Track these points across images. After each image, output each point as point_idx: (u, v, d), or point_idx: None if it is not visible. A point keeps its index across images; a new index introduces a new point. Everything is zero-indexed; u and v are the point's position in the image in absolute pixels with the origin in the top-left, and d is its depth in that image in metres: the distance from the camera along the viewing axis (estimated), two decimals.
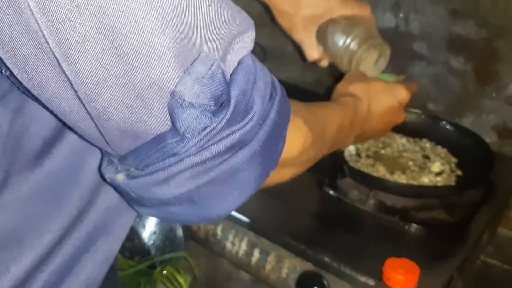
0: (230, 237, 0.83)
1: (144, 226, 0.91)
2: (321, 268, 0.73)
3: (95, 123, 0.32)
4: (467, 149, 0.89)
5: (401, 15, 1.10)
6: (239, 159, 0.36)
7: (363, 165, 0.87)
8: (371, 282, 0.68)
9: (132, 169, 0.36)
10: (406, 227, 0.78)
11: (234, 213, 0.81)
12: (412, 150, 0.92)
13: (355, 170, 0.81)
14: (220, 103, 0.34)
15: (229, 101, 0.34)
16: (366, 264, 0.71)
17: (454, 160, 0.90)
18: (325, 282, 0.73)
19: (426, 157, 0.91)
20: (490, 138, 1.04)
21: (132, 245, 0.91)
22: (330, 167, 0.85)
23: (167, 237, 0.87)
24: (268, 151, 0.38)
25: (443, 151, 0.92)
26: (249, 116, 0.35)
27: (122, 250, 0.91)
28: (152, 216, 0.44)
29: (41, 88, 0.30)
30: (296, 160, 0.47)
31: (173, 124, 0.33)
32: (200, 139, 0.33)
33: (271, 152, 0.39)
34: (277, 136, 0.39)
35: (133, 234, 0.91)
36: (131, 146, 0.34)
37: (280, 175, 0.46)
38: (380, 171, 0.84)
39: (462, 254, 0.74)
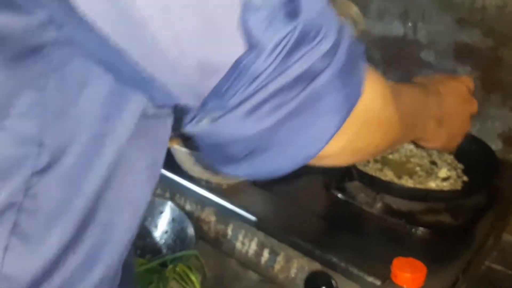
0: (240, 237, 0.85)
1: (156, 226, 0.93)
2: (329, 268, 0.75)
3: (174, 67, 0.33)
4: (473, 156, 0.91)
5: (409, 24, 1.12)
6: (318, 83, 0.35)
7: (371, 169, 0.89)
8: (378, 282, 0.70)
9: (214, 113, 0.36)
10: (412, 230, 0.80)
11: (244, 214, 0.83)
12: (420, 155, 0.94)
13: (363, 173, 0.83)
14: (290, 10, 0.33)
15: (299, 11, 0.33)
16: (373, 264, 0.72)
17: (460, 166, 0.92)
18: (333, 281, 0.74)
19: (433, 162, 0.92)
20: (495, 145, 1.06)
21: (144, 244, 0.93)
22: (338, 170, 0.87)
23: (178, 236, 0.89)
24: (347, 78, 0.37)
25: (450, 157, 0.94)
26: (321, 36, 0.35)
27: (134, 248, 0.93)
28: (241, 175, 0.44)
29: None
30: (380, 113, 0.44)
31: (247, 39, 0.33)
32: (276, 53, 0.33)
33: (350, 80, 0.38)
34: (354, 65, 0.38)
35: (145, 233, 0.93)
36: (211, 84, 0.34)
37: (369, 132, 0.43)
38: (388, 175, 0.86)
39: (466, 257, 0.76)
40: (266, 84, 0.34)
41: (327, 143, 0.38)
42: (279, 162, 0.39)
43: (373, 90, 0.41)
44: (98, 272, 0.43)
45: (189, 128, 0.38)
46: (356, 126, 0.41)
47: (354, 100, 0.38)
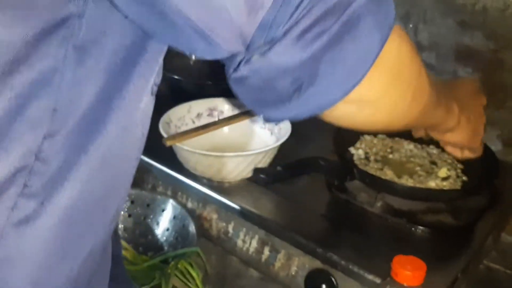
0: (241, 235, 0.86)
1: (158, 223, 0.93)
2: (329, 266, 0.75)
3: (221, 14, 0.35)
4: None
5: (410, 25, 1.13)
6: (355, 6, 0.38)
7: (372, 168, 0.89)
8: (378, 280, 0.70)
9: (262, 48, 0.38)
10: (412, 229, 0.80)
11: (245, 212, 0.84)
12: (420, 155, 0.95)
13: (364, 172, 0.84)
14: None
15: None
16: (373, 262, 0.73)
17: (460, 166, 0.92)
18: (333, 279, 0.75)
19: (433, 162, 0.93)
20: (495, 146, 1.06)
21: (146, 241, 0.94)
22: (339, 170, 0.88)
23: (180, 234, 0.89)
24: (380, 2, 0.41)
25: (450, 158, 0.94)
26: None
27: (136, 245, 0.94)
28: (289, 116, 0.45)
29: None
30: (409, 63, 0.47)
31: None
32: None
33: (383, 4, 0.41)
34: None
35: (147, 231, 0.94)
36: (257, 20, 0.36)
37: (401, 82, 0.47)
38: (388, 175, 0.87)
39: (466, 256, 0.77)
40: (309, 10, 0.37)
41: (372, 63, 0.40)
42: (328, 92, 0.42)
43: (400, 37, 0.45)
44: (89, 240, 0.44)
45: (238, 74, 0.40)
46: (390, 71, 0.44)
47: (391, 20, 0.41)
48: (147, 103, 0.43)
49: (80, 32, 0.35)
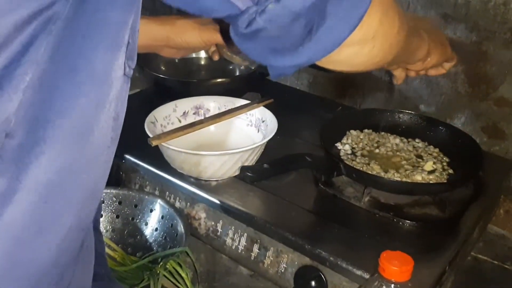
0: (230, 233, 0.86)
1: (146, 223, 0.93)
2: (318, 262, 0.76)
3: None
4: (458, 149, 0.93)
5: None
6: None
7: (358, 163, 0.90)
8: (366, 275, 0.71)
9: None
10: (400, 223, 0.81)
11: (233, 210, 0.84)
12: (406, 149, 0.95)
13: (351, 168, 0.84)
14: None
15: None
16: (361, 258, 0.74)
17: (446, 159, 0.93)
18: (322, 275, 0.76)
19: (419, 156, 0.94)
20: (480, 138, 1.08)
21: (135, 242, 0.94)
22: (326, 165, 0.88)
23: (168, 234, 0.89)
24: None
25: (435, 151, 0.95)
26: None
27: (125, 246, 0.93)
28: (306, 59, 0.47)
29: None
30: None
31: None
32: None
33: None
34: None
35: (136, 231, 0.94)
36: None
37: (391, 16, 0.51)
38: (375, 170, 0.87)
39: (453, 249, 0.78)
40: None
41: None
42: (337, 29, 0.45)
43: None
44: (66, 217, 0.44)
45: (253, 27, 0.42)
46: (381, 6, 0.48)
47: None
48: (120, 83, 0.43)
49: (65, 12, 0.36)
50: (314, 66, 0.51)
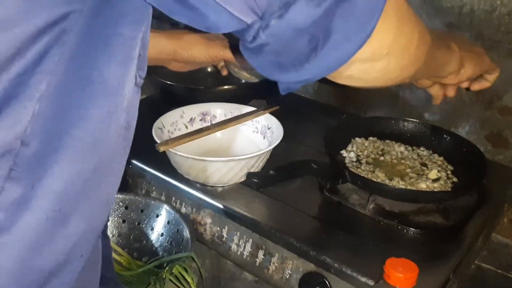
0: (236, 238, 0.86)
1: (152, 228, 0.94)
2: (323, 268, 0.76)
3: None
4: (462, 157, 0.93)
5: None
6: None
7: (363, 171, 0.90)
8: (371, 282, 0.71)
9: (279, 11, 0.40)
10: (404, 230, 0.81)
11: (239, 216, 0.84)
12: (410, 157, 0.96)
13: (356, 175, 0.85)
14: None
15: None
16: (366, 265, 0.74)
17: (450, 167, 0.94)
18: (327, 282, 0.76)
19: (424, 164, 0.94)
20: (484, 147, 1.08)
21: (141, 246, 0.94)
22: (331, 172, 0.89)
23: (174, 239, 0.90)
24: None
25: (440, 159, 0.96)
26: None
27: (131, 251, 0.94)
28: (310, 76, 0.47)
29: None
30: (409, 7, 0.49)
31: None
32: None
33: None
34: None
35: (142, 236, 0.94)
36: None
37: (408, 29, 0.49)
38: (380, 177, 0.88)
39: (457, 257, 0.78)
40: None
41: (381, 12, 0.43)
42: (343, 46, 0.44)
43: None
44: (78, 224, 0.45)
45: (258, 41, 0.42)
46: (397, 16, 0.47)
47: None
48: (131, 93, 0.44)
49: (78, 25, 0.38)
50: (323, 81, 0.51)
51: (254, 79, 0.92)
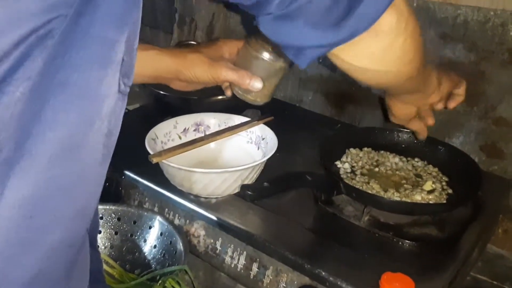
0: (229, 251, 0.85)
1: (145, 240, 0.93)
2: (318, 281, 0.75)
3: None
4: (457, 168, 0.93)
5: None
6: None
7: (358, 182, 0.90)
8: None
9: None
10: (399, 243, 0.81)
11: (233, 228, 0.84)
12: (405, 168, 0.96)
13: (351, 187, 0.84)
14: None
15: None
16: (361, 278, 0.73)
17: (445, 178, 0.93)
18: None
19: (418, 175, 0.94)
20: (478, 157, 1.08)
21: (133, 259, 0.93)
22: (326, 184, 0.88)
23: (167, 251, 0.89)
24: None
25: (435, 170, 0.96)
26: None
27: (123, 263, 0.93)
28: (345, 34, 0.48)
29: None
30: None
31: None
32: None
33: None
34: None
35: (134, 248, 0.93)
36: None
37: (406, 26, 0.54)
38: (375, 189, 0.88)
39: (453, 269, 0.77)
40: None
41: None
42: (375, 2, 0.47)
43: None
44: (52, 233, 0.43)
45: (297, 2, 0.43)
46: (398, 12, 0.52)
47: None
48: (114, 99, 0.43)
49: (62, 27, 0.36)
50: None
51: (259, 102, 0.89)
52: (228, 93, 0.91)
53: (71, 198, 0.44)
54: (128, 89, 0.45)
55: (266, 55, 0.82)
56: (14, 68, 0.36)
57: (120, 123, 0.46)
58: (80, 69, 0.39)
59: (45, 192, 0.40)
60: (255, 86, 0.83)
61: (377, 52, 0.55)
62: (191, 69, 0.83)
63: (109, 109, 0.43)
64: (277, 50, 0.82)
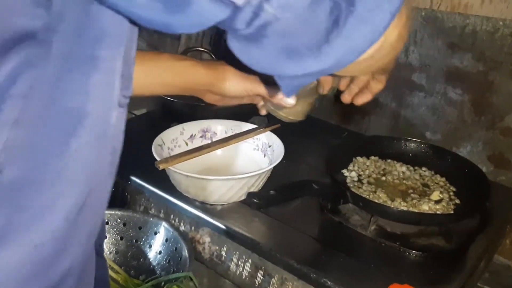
0: (235, 258, 0.85)
1: (150, 246, 0.93)
2: None
3: None
4: (464, 178, 0.93)
5: None
6: None
7: (365, 191, 0.89)
8: None
9: None
10: (406, 253, 0.80)
11: (238, 235, 0.83)
12: (412, 178, 0.95)
13: (357, 196, 0.84)
14: None
15: None
16: None
17: (452, 188, 0.93)
18: None
19: (426, 185, 0.94)
20: (486, 167, 1.07)
21: (138, 264, 0.93)
22: (332, 192, 0.88)
23: (172, 257, 0.89)
24: None
25: (442, 180, 0.95)
26: None
27: (128, 268, 0.93)
28: (331, 61, 0.37)
29: None
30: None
31: None
32: None
33: None
34: None
35: (139, 254, 0.93)
36: None
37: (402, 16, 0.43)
38: (382, 198, 0.87)
39: (460, 281, 0.77)
40: None
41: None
42: (375, 14, 0.35)
43: None
44: (65, 258, 0.41)
45: (260, 21, 0.33)
46: (399, 19, 0.41)
47: None
48: (115, 114, 0.41)
49: (52, 48, 0.34)
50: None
51: (292, 119, 0.83)
52: (263, 112, 0.86)
53: (81, 219, 0.42)
54: (127, 100, 0.43)
55: None
56: (4, 86, 0.33)
57: (122, 136, 0.44)
58: (80, 92, 0.37)
59: (54, 219, 0.39)
60: (288, 102, 0.77)
61: (375, 62, 0.45)
62: (223, 82, 0.80)
63: (112, 128, 0.41)
64: None
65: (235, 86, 0.80)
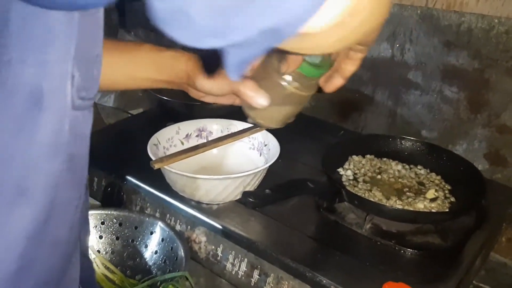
0: (231, 258, 0.85)
1: (146, 246, 0.92)
2: None
3: None
4: (460, 176, 0.93)
5: (397, 45, 1.14)
6: None
7: (360, 189, 0.89)
8: None
9: None
10: (401, 251, 0.80)
11: (234, 234, 0.83)
12: (408, 176, 0.95)
13: (353, 194, 0.84)
14: None
15: None
16: (363, 286, 0.73)
17: (448, 187, 0.93)
18: None
19: (421, 183, 0.94)
20: (482, 165, 1.08)
21: (134, 264, 0.93)
22: (328, 191, 0.88)
23: (168, 257, 0.88)
24: None
25: (437, 178, 0.95)
26: None
27: (124, 268, 0.93)
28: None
29: None
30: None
31: None
32: None
33: None
34: None
35: (135, 253, 0.93)
36: None
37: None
38: (377, 196, 0.87)
39: (456, 278, 0.77)
40: None
41: None
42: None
43: None
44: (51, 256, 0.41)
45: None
46: None
47: None
48: (70, 118, 0.38)
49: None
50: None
51: (262, 123, 0.72)
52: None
53: (49, 238, 0.40)
54: (89, 102, 0.40)
55: (276, 75, 0.66)
56: None
57: (88, 139, 0.42)
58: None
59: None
60: (258, 102, 0.66)
61: (349, 32, 0.34)
62: (199, 75, 0.74)
63: (67, 133, 0.38)
64: (294, 73, 0.64)
65: (211, 81, 0.74)
